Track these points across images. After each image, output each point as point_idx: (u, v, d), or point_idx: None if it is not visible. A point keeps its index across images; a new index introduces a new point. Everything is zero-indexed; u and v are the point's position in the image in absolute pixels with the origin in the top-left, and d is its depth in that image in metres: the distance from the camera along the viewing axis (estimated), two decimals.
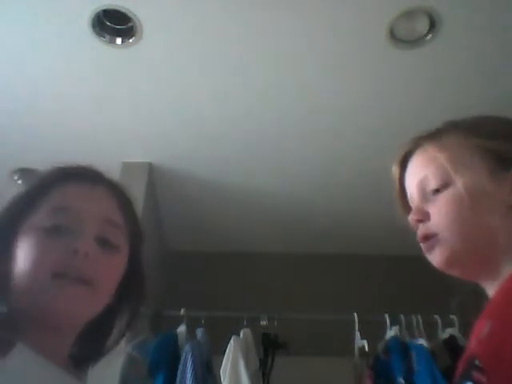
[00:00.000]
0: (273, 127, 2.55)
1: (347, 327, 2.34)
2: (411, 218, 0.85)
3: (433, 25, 2.04)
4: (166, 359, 2.15)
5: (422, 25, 2.06)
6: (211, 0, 1.98)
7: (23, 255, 0.79)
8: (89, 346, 0.90)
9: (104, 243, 0.84)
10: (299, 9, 2.00)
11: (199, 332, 2.28)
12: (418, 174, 0.87)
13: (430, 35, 2.08)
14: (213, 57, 2.20)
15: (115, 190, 0.91)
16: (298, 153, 2.70)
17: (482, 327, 0.69)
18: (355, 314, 2.34)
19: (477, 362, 0.66)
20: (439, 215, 0.81)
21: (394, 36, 2.09)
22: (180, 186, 2.93)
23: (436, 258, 0.81)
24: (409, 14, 2.01)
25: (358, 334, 2.29)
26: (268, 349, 2.38)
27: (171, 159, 2.75)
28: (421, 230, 0.83)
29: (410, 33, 2.10)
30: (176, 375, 2.07)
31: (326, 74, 2.28)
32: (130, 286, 0.90)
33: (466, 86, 2.29)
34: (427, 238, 0.82)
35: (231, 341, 2.20)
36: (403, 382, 2.02)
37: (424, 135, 0.91)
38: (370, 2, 1.98)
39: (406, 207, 0.91)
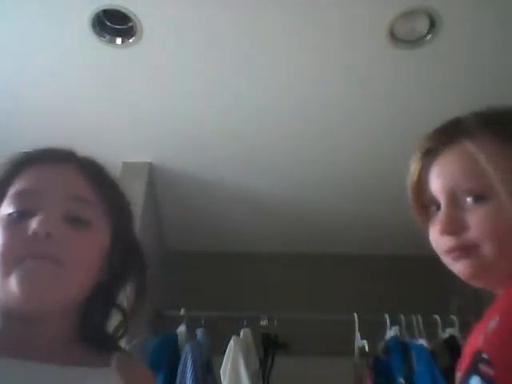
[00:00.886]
0: (273, 127, 2.55)
1: (347, 327, 2.34)
2: (443, 227, 0.76)
3: (433, 25, 2.04)
4: (165, 359, 2.15)
5: (422, 25, 2.06)
6: (211, 0, 1.98)
7: None
8: (92, 326, 0.86)
9: (74, 221, 0.81)
10: (299, 8, 2.00)
11: (199, 332, 2.28)
12: (452, 176, 0.77)
13: (430, 35, 2.07)
14: (213, 57, 2.20)
15: (86, 167, 0.88)
16: (298, 153, 2.70)
17: (488, 322, 0.69)
18: (355, 314, 2.35)
19: (484, 356, 0.66)
20: (481, 228, 0.73)
21: (394, 36, 2.09)
22: (180, 186, 2.92)
23: (465, 269, 0.76)
24: (409, 14, 2.01)
25: (358, 334, 2.29)
26: (268, 349, 2.39)
27: (171, 159, 2.75)
28: (456, 240, 0.75)
29: (410, 33, 2.09)
30: (176, 375, 2.08)
31: (325, 73, 2.27)
32: (125, 260, 0.88)
33: (466, 85, 2.29)
34: (464, 249, 0.75)
35: (231, 341, 2.20)
36: (403, 381, 2.02)
37: (456, 128, 0.81)
38: (370, 2, 1.98)
39: (423, 208, 0.82)
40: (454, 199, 0.76)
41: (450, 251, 0.77)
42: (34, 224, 0.77)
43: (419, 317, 2.31)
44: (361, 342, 2.25)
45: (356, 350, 2.27)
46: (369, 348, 2.20)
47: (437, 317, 2.29)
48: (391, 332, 2.26)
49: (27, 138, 2.59)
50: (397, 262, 3.12)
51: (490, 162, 0.74)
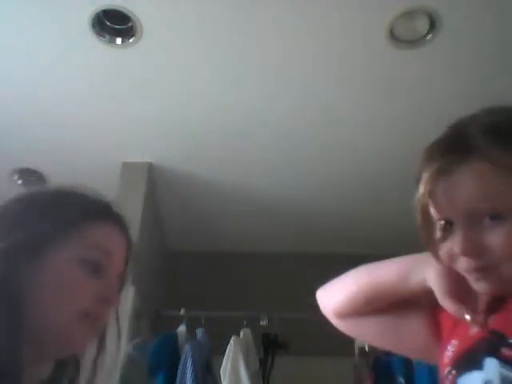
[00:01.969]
0: (272, 127, 2.55)
1: None
2: (463, 250, 0.74)
3: (433, 25, 2.04)
4: (166, 359, 2.15)
5: (422, 25, 2.06)
6: (211, 0, 1.98)
7: (56, 285, 0.76)
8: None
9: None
10: (299, 8, 2.00)
11: (199, 332, 2.28)
12: (467, 197, 0.74)
13: (430, 35, 2.07)
14: (213, 56, 2.20)
15: (129, 241, 0.91)
16: (298, 153, 2.70)
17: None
18: None
19: (510, 341, 0.67)
20: (501, 249, 0.72)
21: (394, 36, 2.09)
22: (180, 186, 2.92)
23: (485, 289, 0.76)
24: (409, 14, 2.01)
25: None
26: (268, 349, 2.39)
27: (171, 159, 2.75)
28: (475, 263, 0.74)
29: (410, 33, 2.09)
30: (176, 375, 2.08)
31: (325, 74, 2.28)
32: None
33: (466, 85, 2.29)
34: (484, 269, 0.74)
35: (231, 341, 2.20)
36: (403, 382, 2.02)
37: (464, 145, 0.76)
38: (370, 2, 1.98)
39: (431, 225, 0.79)
40: (471, 220, 0.74)
41: (470, 272, 0.76)
42: (108, 290, 0.80)
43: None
44: (361, 342, 2.25)
45: (356, 350, 2.27)
46: (369, 348, 2.20)
47: None
48: None
49: (27, 138, 2.60)
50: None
51: (504, 179, 0.72)
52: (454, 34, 2.07)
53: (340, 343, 2.37)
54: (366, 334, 1.00)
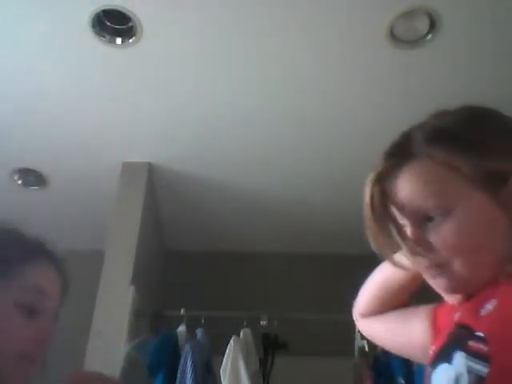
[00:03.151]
0: (273, 127, 2.55)
1: (347, 327, 2.33)
2: (412, 250, 0.77)
3: (433, 25, 2.04)
4: (166, 359, 2.15)
5: (422, 25, 2.06)
6: (211, 0, 1.98)
7: None
8: None
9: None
10: (299, 8, 2.00)
11: (199, 332, 2.28)
12: (410, 198, 0.77)
13: (430, 35, 2.07)
14: (212, 56, 2.20)
15: (64, 278, 0.96)
16: (298, 153, 2.70)
17: (482, 306, 0.72)
18: None
19: (479, 334, 0.69)
20: (445, 247, 0.74)
21: (394, 36, 2.09)
22: (180, 186, 2.92)
23: (442, 286, 0.78)
24: (409, 14, 2.01)
25: (358, 334, 2.29)
26: (268, 349, 2.39)
27: (171, 159, 2.75)
28: (428, 260, 0.76)
29: (410, 33, 2.09)
30: (176, 375, 2.08)
31: (325, 73, 2.28)
32: None
33: (466, 85, 2.29)
34: (438, 266, 0.76)
35: (231, 341, 2.20)
36: (403, 382, 2.02)
37: (406, 148, 0.81)
38: (370, 2, 1.98)
39: (385, 231, 0.82)
40: (418, 219, 0.77)
41: (425, 270, 0.78)
42: (43, 332, 0.83)
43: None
44: (361, 342, 2.25)
45: (356, 350, 2.27)
46: (369, 348, 2.20)
47: None
48: None
49: (27, 138, 2.60)
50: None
51: (444, 177, 0.75)
52: (454, 34, 2.07)
53: (340, 343, 2.38)
54: (379, 334, 1.04)
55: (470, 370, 0.69)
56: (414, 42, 2.11)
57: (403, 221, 0.79)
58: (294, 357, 2.48)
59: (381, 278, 1.01)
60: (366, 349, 2.20)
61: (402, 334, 0.96)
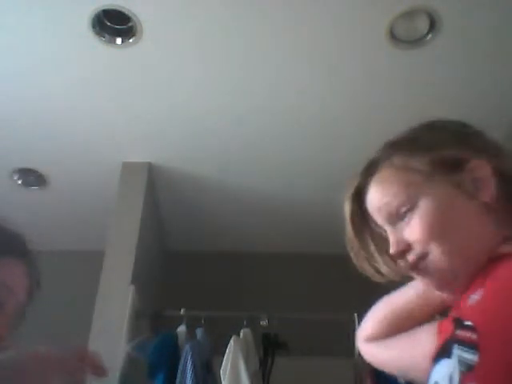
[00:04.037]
0: (273, 127, 2.55)
1: (347, 327, 2.34)
2: (394, 254, 0.80)
3: (433, 25, 2.04)
4: (165, 359, 2.15)
5: (422, 25, 2.06)
6: (211, 0, 1.98)
7: None
8: None
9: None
10: (299, 8, 2.00)
11: (199, 332, 2.28)
12: (381, 203, 0.82)
13: (430, 35, 2.07)
14: (213, 56, 2.20)
15: (33, 274, 0.95)
16: (298, 153, 2.70)
17: (469, 297, 0.74)
18: (355, 314, 2.34)
19: (467, 323, 0.71)
20: (417, 238, 0.78)
21: (394, 36, 2.09)
22: (180, 186, 2.93)
23: (430, 283, 0.81)
24: (409, 14, 2.01)
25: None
26: (268, 349, 2.38)
27: (171, 159, 2.75)
28: (409, 261, 0.80)
29: (410, 33, 2.10)
30: (176, 375, 2.07)
31: (325, 73, 2.28)
32: None
33: (466, 85, 2.29)
34: (419, 259, 0.79)
35: (231, 341, 2.20)
36: (403, 382, 2.02)
37: (370, 165, 0.87)
38: (370, 2, 1.98)
39: (366, 245, 0.88)
40: (393, 222, 0.82)
41: (411, 272, 0.82)
42: (4, 327, 0.85)
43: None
44: None
45: (356, 350, 2.27)
46: None
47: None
48: None
49: (27, 138, 2.60)
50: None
51: (404, 177, 0.81)
52: (454, 34, 2.07)
53: (340, 343, 2.38)
54: (383, 359, 1.03)
55: (460, 360, 0.70)
56: (414, 42, 2.11)
57: (382, 228, 0.84)
58: (294, 357, 2.48)
59: (396, 306, 1.01)
60: None
61: (408, 358, 0.95)
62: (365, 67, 2.23)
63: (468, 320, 0.72)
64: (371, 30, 2.07)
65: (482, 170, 0.78)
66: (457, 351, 0.71)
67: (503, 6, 1.98)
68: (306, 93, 2.36)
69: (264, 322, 2.34)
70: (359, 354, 2.24)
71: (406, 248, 0.79)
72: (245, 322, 2.34)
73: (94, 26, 2.04)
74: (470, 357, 0.68)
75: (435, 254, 0.77)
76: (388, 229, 0.82)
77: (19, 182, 2.88)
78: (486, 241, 0.76)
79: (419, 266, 0.79)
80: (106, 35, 2.10)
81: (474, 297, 0.73)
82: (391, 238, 0.81)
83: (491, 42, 2.11)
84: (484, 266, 0.75)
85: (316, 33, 2.09)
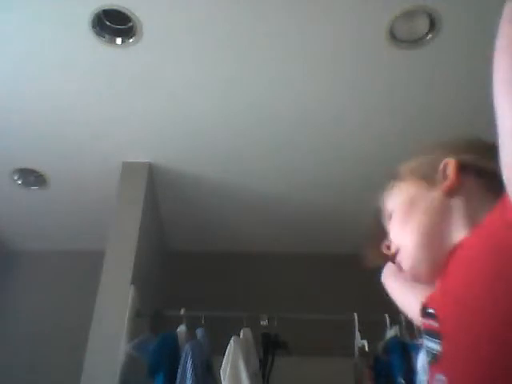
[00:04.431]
0: (273, 127, 2.55)
1: (347, 327, 2.34)
2: (384, 251, 0.92)
3: (433, 25, 2.04)
4: (165, 359, 2.15)
5: (422, 25, 2.06)
6: (210, 0, 1.98)
7: None
8: None
9: None
10: (299, 8, 2.00)
11: (199, 332, 2.28)
12: (385, 210, 0.95)
13: (430, 35, 2.08)
14: (213, 56, 2.20)
15: None
16: (298, 153, 2.70)
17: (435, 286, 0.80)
18: (355, 314, 2.34)
19: (430, 310, 0.74)
20: (393, 235, 0.90)
21: (394, 36, 2.09)
22: (180, 186, 2.93)
23: (405, 269, 0.87)
24: (409, 14, 2.01)
25: (358, 334, 2.29)
26: (268, 349, 2.38)
27: (171, 159, 2.75)
28: (390, 253, 0.91)
29: (410, 33, 2.10)
30: (176, 375, 2.07)
31: (325, 73, 2.28)
32: None
33: (466, 86, 2.29)
34: (394, 256, 0.89)
35: (231, 341, 2.20)
36: (403, 382, 2.02)
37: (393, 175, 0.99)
38: (370, 2, 1.98)
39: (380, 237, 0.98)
40: (388, 226, 0.93)
41: (393, 261, 0.90)
42: None
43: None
44: (361, 342, 2.24)
45: (356, 350, 2.27)
46: (369, 348, 2.20)
47: None
48: (391, 332, 2.26)
49: (27, 138, 2.60)
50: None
51: (394, 190, 0.94)
52: (454, 34, 2.07)
53: (340, 343, 2.38)
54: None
55: (427, 350, 0.72)
56: (414, 42, 2.11)
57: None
58: (294, 357, 2.47)
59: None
60: (366, 349, 2.20)
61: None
62: (365, 67, 2.23)
63: (430, 307, 0.74)
64: (371, 29, 2.07)
65: (449, 166, 0.84)
66: (425, 341, 0.72)
67: (503, 5, 1.98)
68: (305, 93, 2.36)
69: (264, 322, 2.34)
70: (359, 354, 2.25)
71: (389, 244, 0.91)
72: (245, 322, 2.34)
73: (94, 26, 2.04)
74: (435, 346, 0.69)
75: (403, 248, 0.86)
76: (387, 229, 0.93)
77: (19, 182, 2.88)
78: (447, 232, 0.80)
79: (396, 261, 0.89)
80: (106, 35, 2.10)
81: (436, 285, 0.78)
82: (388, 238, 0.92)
83: (491, 41, 2.10)
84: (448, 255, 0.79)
85: (316, 33, 2.09)
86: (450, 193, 0.82)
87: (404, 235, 0.86)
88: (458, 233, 0.78)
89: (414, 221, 0.85)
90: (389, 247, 0.91)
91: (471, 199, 0.80)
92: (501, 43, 0.70)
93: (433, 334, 0.71)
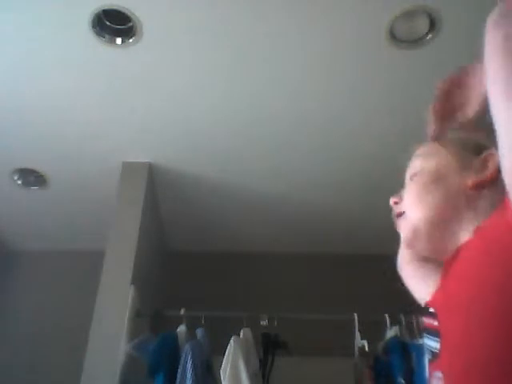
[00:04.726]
0: (273, 127, 2.55)
1: (347, 327, 2.34)
2: (390, 200, 0.92)
3: (433, 25, 2.04)
4: (165, 359, 2.15)
5: (422, 25, 2.06)
6: (210, 0, 1.98)
7: None
8: None
9: None
10: (299, 9, 2.00)
11: (199, 332, 2.28)
12: (412, 165, 0.93)
13: (430, 35, 2.08)
14: (212, 56, 2.20)
15: None
16: (298, 153, 2.70)
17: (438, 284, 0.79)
18: (355, 314, 2.34)
19: (430, 310, 0.75)
20: (407, 197, 0.89)
21: (394, 36, 2.09)
22: (180, 186, 2.93)
23: (402, 233, 0.88)
24: (409, 14, 2.01)
25: (358, 334, 2.29)
26: (268, 349, 2.38)
27: (171, 159, 2.75)
28: (394, 209, 0.91)
29: (410, 33, 2.10)
30: (176, 375, 2.07)
31: (325, 73, 2.28)
32: None
33: None
34: (397, 216, 0.90)
35: (231, 341, 2.20)
36: (403, 382, 2.02)
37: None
38: (370, 2, 1.98)
39: None
40: (407, 181, 0.92)
41: (394, 219, 0.91)
42: None
43: (419, 317, 2.31)
44: (361, 342, 2.24)
45: (356, 350, 2.27)
46: (369, 348, 2.20)
47: None
48: (391, 332, 2.26)
49: (27, 138, 2.60)
50: (397, 262, 3.12)
51: (423, 150, 0.91)
52: (454, 34, 2.07)
53: (340, 343, 2.38)
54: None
55: (427, 348, 0.72)
56: (414, 42, 2.11)
57: None
58: (294, 357, 2.47)
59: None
60: (366, 349, 2.20)
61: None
62: (365, 67, 2.23)
63: (431, 307, 0.75)
64: (371, 29, 2.07)
65: (494, 158, 0.80)
66: (425, 340, 0.72)
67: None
68: (305, 92, 2.36)
69: (264, 322, 2.34)
70: (359, 354, 2.25)
71: (398, 201, 0.91)
72: (245, 322, 2.34)
73: (94, 26, 2.04)
74: (434, 344, 0.69)
75: (408, 216, 0.86)
76: (405, 184, 0.92)
77: (19, 182, 2.88)
78: (457, 227, 0.79)
79: (398, 221, 0.89)
80: (106, 35, 2.10)
81: (439, 284, 0.78)
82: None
83: None
84: (452, 256, 0.78)
85: (316, 33, 2.09)
86: (479, 187, 0.79)
87: (416, 207, 0.85)
88: (467, 232, 0.77)
89: (432, 200, 0.83)
90: (396, 202, 0.90)
91: (490, 202, 0.78)
92: (489, 49, 0.69)
93: (433, 332, 0.71)
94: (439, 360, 0.67)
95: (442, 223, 0.81)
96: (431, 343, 0.70)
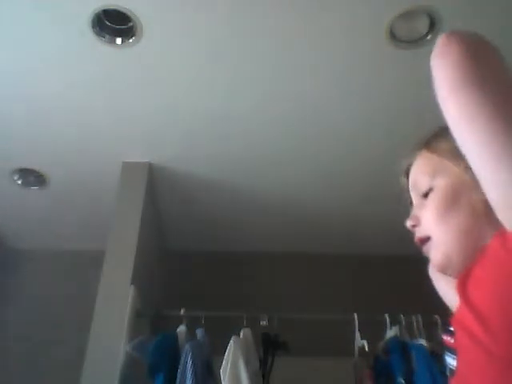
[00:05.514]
0: (273, 127, 2.55)
1: (347, 327, 2.33)
2: (407, 223, 0.86)
3: (433, 25, 2.04)
4: (166, 359, 2.15)
5: (422, 25, 2.06)
6: (210, 0, 1.98)
7: None
8: None
9: None
10: (299, 9, 2.00)
11: (199, 332, 2.28)
12: (412, 182, 0.89)
13: (430, 35, 2.08)
14: (212, 57, 2.20)
15: None
16: (298, 153, 2.70)
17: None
18: (355, 314, 2.34)
19: (450, 328, 0.73)
20: (427, 219, 0.83)
21: (394, 36, 2.09)
22: (180, 186, 2.93)
23: (432, 260, 0.83)
24: (409, 14, 2.01)
25: (358, 334, 2.29)
26: (268, 349, 2.38)
27: (171, 159, 2.75)
28: (416, 234, 0.85)
29: (410, 33, 2.10)
30: (176, 375, 2.07)
31: (325, 73, 2.28)
32: None
33: None
34: (422, 241, 0.84)
35: (231, 341, 2.20)
36: (403, 382, 2.02)
37: (419, 142, 0.91)
38: (370, 2, 1.98)
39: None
40: (418, 198, 0.87)
41: (418, 245, 0.86)
42: None
43: (419, 317, 2.31)
44: (361, 342, 2.24)
45: (356, 350, 2.27)
46: (369, 348, 2.20)
47: (437, 317, 2.29)
48: (391, 332, 2.26)
49: (27, 138, 2.60)
50: (397, 262, 3.12)
51: (432, 163, 0.86)
52: None
53: (340, 343, 2.38)
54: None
55: (447, 366, 0.72)
56: (414, 42, 2.11)
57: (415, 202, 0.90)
58: (294, 357, 2.47)
59: None
60: (366, 349, 2.20)
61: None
62: (365, 67, 2.23)
63: (451, 325, 0.72)
64: (371, 30, 2.07)
65: None
66: (446, 358, 0.72)
67: (504, 6, 1.98)
68: (305, 93, 2.36)
69: (264, 322, 2.34)
70: (359, 354, 2.24)
71: (416, 223, 0.85)
72: (245, 322, 2.34)
73: (93, 26, 2.04)
74: (452, 362, 0.69)
75: (435, 239, 0.81)
76: (415, 203, 0.88)
77: (19, 182, 2.88)
78: (476, 233, 0.78)
79: (423, 247, 0.84)
80: (106, 35, 2.10)
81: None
82: (411, 212, 0.87)
83: (491, 41, 2.11)
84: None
85: (316, 33, 2.09)
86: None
87: (441, 227, 0.81)
88: (484, 238, 0.76)
89: (457, 220, 0.80)
90: (414, 226, 0.85)
91: None
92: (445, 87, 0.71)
93: (451, 350, 0.71)
94: (456, 377, 0.68)
95: (470, 242, 0.78)
96: (450, 360, 0.70)
